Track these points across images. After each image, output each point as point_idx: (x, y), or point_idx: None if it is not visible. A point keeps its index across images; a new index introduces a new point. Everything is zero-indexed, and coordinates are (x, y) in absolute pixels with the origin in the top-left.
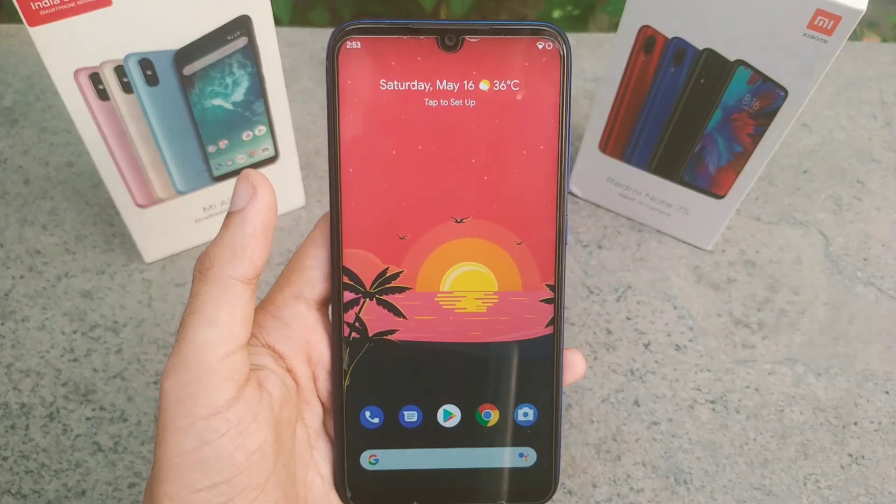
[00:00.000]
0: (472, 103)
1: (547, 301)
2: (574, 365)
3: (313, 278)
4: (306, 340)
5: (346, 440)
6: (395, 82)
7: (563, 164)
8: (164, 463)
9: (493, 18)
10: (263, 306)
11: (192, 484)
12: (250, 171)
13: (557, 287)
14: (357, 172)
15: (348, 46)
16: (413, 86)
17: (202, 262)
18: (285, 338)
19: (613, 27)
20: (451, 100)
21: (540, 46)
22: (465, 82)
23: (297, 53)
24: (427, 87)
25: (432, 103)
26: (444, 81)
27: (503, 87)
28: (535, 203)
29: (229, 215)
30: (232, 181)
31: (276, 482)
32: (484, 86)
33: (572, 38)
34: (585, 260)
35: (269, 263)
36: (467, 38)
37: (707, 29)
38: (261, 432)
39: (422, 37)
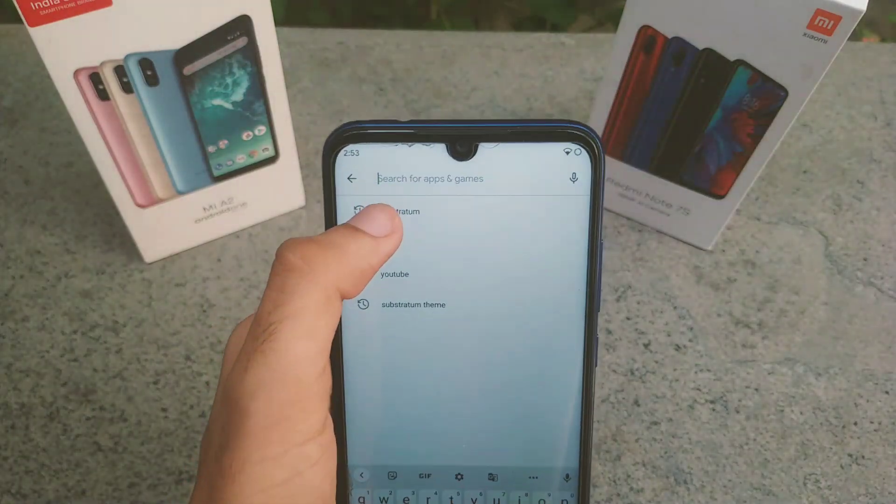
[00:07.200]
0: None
1: None
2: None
3: None
4: None
5: None
6: (398, 195)
7: (592, 302)
8: (245, 499)
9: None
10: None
11: None
12: (393, 210)
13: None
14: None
15: (345, 155)
16: (419, 202)
17: (305, 259)
18: None
19: (604, 15)
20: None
21: (567, 153)
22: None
23: (297, 53)
24: (435, 203)
25: (440, 221)
26: (456, 196)
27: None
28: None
29: (357, 231)
30: (232, 181)
31: None
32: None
33: (571, 36)
34: None
35: (267, 262)
36: (481, 144)
37: (707, 29)
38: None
39: (430, 144)
